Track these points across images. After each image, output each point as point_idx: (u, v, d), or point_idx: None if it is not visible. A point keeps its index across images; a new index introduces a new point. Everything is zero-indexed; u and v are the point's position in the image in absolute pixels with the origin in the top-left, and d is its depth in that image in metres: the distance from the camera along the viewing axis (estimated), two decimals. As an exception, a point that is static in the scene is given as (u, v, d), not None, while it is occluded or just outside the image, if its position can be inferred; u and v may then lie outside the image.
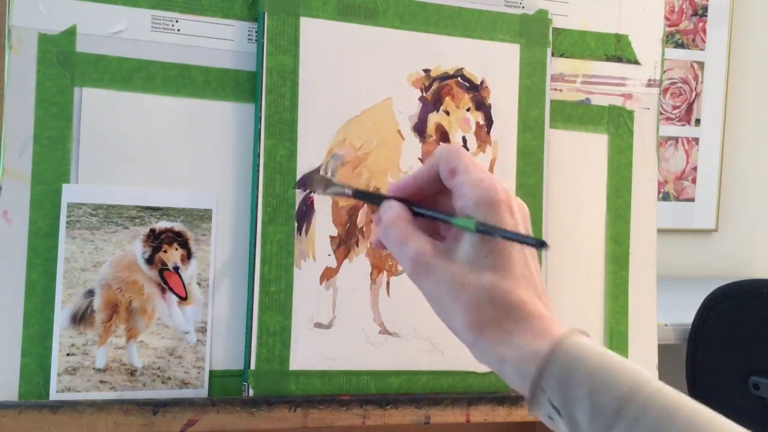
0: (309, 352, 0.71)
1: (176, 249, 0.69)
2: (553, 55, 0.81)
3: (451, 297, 0.49)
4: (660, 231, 0.87)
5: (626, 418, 0.45)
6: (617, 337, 0.82)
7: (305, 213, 0.72)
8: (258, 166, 0.71)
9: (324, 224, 0.73)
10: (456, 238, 0.52)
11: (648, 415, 0.44)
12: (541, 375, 0.47)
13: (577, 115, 0.82)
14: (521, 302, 0.49)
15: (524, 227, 0.52)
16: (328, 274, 0.73)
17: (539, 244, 0.49)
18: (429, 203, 0.55)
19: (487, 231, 0.49)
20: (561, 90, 0.82)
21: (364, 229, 0.74)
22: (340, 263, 0.73)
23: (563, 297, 0.81)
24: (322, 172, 0.73)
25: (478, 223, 0.50)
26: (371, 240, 0.63)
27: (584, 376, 0.46)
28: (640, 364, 0.82)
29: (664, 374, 0.86)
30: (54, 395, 0.65)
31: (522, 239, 0.50)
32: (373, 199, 0.63)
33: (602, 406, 0.45)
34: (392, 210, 0.54)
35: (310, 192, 0.72)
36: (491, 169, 0.78)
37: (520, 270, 0.50)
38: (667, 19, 1.18)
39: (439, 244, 0.52)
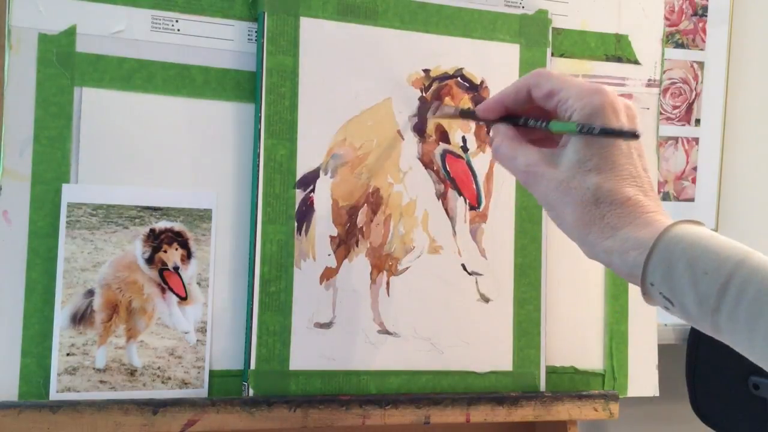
0: (309, 352, 0.71)
1: (176, 249, 0.69)
2: (552, 55, 0.81)
3: (559, 201, 0.53)
4: (660, 231, 0.86)
5: (728, 301, 0.46)
6: (617, 337, 0.82)
7: (305, 213, 0.72)
8: (258, 166, 0.71)
9: (324, 224, 0.73)
10: (563, 145, 0.54)
11: (747, 295, 0.46)
12: (647, 264, 0.49)
13: (577, 115, 0.82)
14: (626, 199, 0.51)
15: (630, 126, 0.53)
16: (328, 274, 0.72)
17: (631, 135, 0.51)
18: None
19: (586, 130, 0.52)
20: (561, 90, 0.81)
21: (364, 229, 0.74)
22: (340, 263, 0.73)
23: (563, 297, 0.81)
24: (322, 173, 0.73)
25: (578, 124, 0.52)
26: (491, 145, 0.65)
27: (686, 264, 0.48)
28: (640, 364, 0.83)
29: (664, 374, 0.86)
30: (54, 395, 0.65)
31: (615, 132, 0.52)
32: (469, 115, 0.69)
33: (705, 292, 0.47)
34: (499, 131, 0.58)
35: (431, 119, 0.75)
36: (491, 169, 0.78)
37: (626, 169, 0.52)
38: (666, 19, 1.18)
39: (546, 152, 0.55)
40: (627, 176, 0.52)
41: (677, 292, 0.48)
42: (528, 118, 0.58)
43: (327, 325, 0.72)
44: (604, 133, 0.52)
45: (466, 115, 0.71)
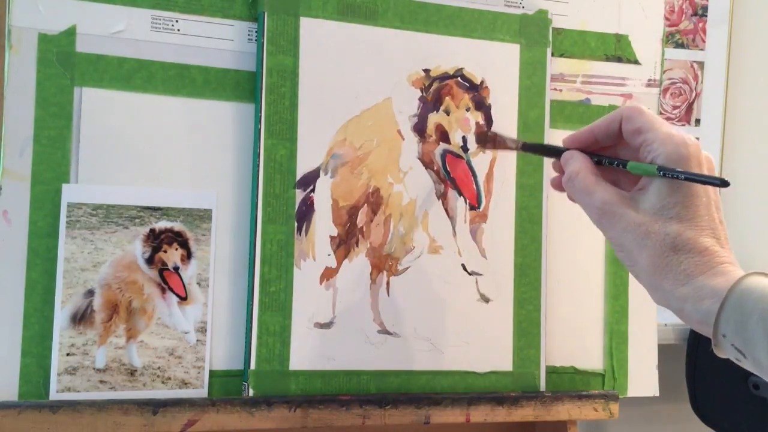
0: (309, 352, 0.71)
1: (176, 249, 0.69)
2: (553, 55, 0.81)
3: (635, 244, 0.53)
4: (660, 231, 0.86)
5: None
6: (617, 337, 0.82)
7: (305, 213, 0.72)
8: (258, 166, 0.71)
9: (324, 224, 0.73)
10: (641, 188, 0.54)
11: None
12: (720, 313, 0.49)
13: (577, 115, 0.82)
14: (704, 249, 0.51)
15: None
16: (328, 274, 0.72)
17: (721, 183, 0.52)
18: (604, 155, 0.58)
19: (671, 173, 0.52)
20: (561, 90, 0.82)
21: (364, 229, 0.74)
22: (340, 263, 0.73)
23: (563, 297, 0.81)
24: (322, 173, 0.73)
25: (658, 167, 0.52)
26: (552, 183, 0.63)
27: (759, 316, 0.48)
28: (640, 365, 0.83)
29: (664, 374, 0.86)
30: (54, 395, 0.65)
31: (705, 179, 0.52)
32: (548, 150, 0.65)
33: None
34: (576, 160, 0.57)
35: (483, 148, 0.74)
36: (491, 169, 0.78)
37: (705, 220, 0.52)
38: (666, 19, 1.18)
39: (623, 193, 0.55)
40: (706, 226, 0.52)
41: (749, 344, 0.48)
42: (603, 157, 0.58)
43: (327, 325, 0.72)
44: (691, 179, 0.52)
45: (529, 148, 0.68)
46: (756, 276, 0.50)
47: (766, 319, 0.47)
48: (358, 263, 0.73)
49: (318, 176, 0.72)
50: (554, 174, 0.63)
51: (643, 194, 0.54)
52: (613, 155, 0.59)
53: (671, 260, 0.51)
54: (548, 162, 0.79)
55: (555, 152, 0.61)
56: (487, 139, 0.73)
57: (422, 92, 0.76)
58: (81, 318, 0.66)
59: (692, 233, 0.52)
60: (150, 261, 0.68)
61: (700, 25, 1.20)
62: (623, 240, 0.53)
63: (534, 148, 0.70)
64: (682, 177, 0.52)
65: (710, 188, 0.54)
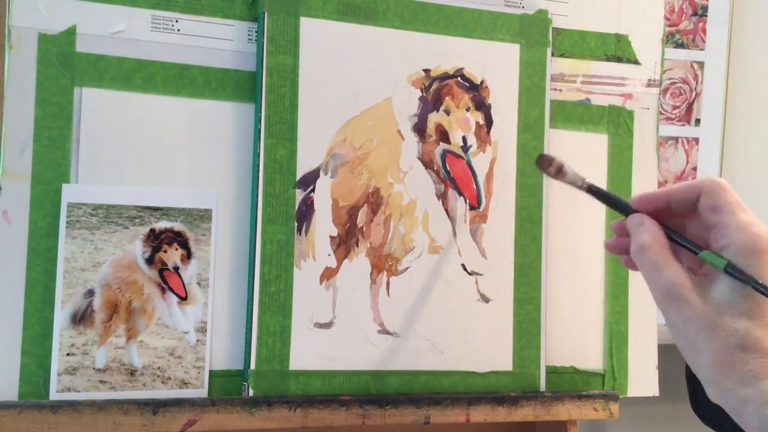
0: (309, 352, 0.71)
1: (176, 249, 0.69)
2: (553, 55, 0.81)
3: (700, 335, 0.50)
4: (660, 231, 0.86)
5: None
6: (617, 337, 0.82)
7: (305, 213, 0.72)
8: (258, 166, 0.71)
9: (324, 224, 0.72)
10: (711, 275, 0.51)
11: None
12: None
13: (577, 115, 0.82)
14: None
15: None
16: (328, 274, 0.72)
17: None
18: (673, 224, 0.55)
19: (738, 277, 0.49)
20: (561, 90, 0.82)
21: (364, 229, 0.74)
22: (340, 263, 0.73)
23: (563, 297, 0.81)
24: (322, 173, 0.73)
25: (728, 264, 0.49)
26: (622, 261, 0.58)
27: None
28: (640, 364, 0.83)
29: (664, 374, 0.86)
30: (54, 395, 0.65)
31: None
32: (615, 203, 0.59)
33: None
34: (649, 231, 0.53)
35: (543, 173, 0.64)
36: (491, 169, 0.78)
37: None
38: (666, 19, 1.18)
39: (693, 278, 0.52)
40: None
41: None
42: (676, 234, 0.54)
43: (327, 325, 0.72)
44: (759, 290, 0.49)
45: (595, 193, 0.59)
46: None
47: None
48: (358, 263, 0.73)
49: (318, 176, 0.72)
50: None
51: (713, 281, 0.51)
52: (680, 225, 0.55)
53: (737, 358, 0.49)
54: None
55: (622, 208, 0.56)
56: (552, 165, 0.63)
57: (422, 92, 0.76)
58: (81, 318, 0.66)
59: (762, 332, 0.49)
60: (150, 261, 0.68)
61: (700, 25, 1.20)
62: (687, 328, 0.50)
63: (600, 195, 0.61)
64: (751, 285, 0.49)
65: None
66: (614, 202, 0.58)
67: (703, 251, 0.51)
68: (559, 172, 0.61)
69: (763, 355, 0.48)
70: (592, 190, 0.59)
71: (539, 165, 0.63)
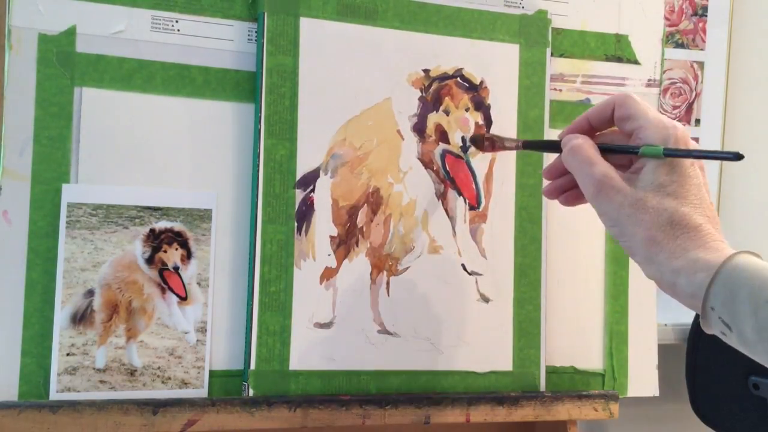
0: (309, 352, 0.71)
1: (176, 249, 0.69)
2: (552, 55, 0.81)
3: (632, 218, 0.55)
4: (660, 231, 0.86)
5: None
6: (617, 337, 0.82)
7: (305, 213, 0.72)
8: (258, 166, 0.71)
9: (324, 224, 0.73)
10: (635, 171, 0.57)
11: None
12: (711, 286, 0.51)
13: (577, 115, 0.82)
14: (698, 225, 0.54)
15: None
16: (328, 274, 0.73)
17: (735, 157, 0.54)
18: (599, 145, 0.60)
19: (679, 154, 0.55)
20: (561, 90, 0.82)
21: (364, 229, 0.74)
22: (340, 263, 0.73)
23: (563, 297, 0.81)
24: (322, 172, 0.73)
25: (665, 148, 0.55)
26: (544, 191, 0.65)
27: (748, 292, 0.49)
28: (640, 364, 0.83)
29: (664, 374, 0.86)
30: (54, 395, 0.65)
31: (718, 154, 0.56)
32: (549, 145, 0.66)
33: (765, 319, 0.49)
34: (578, 137, 0.59)
35: (482, 151, 0.76)
36: (491, 169, 0.78)
37: (698, 199, 0.55)
38: (666, 19, 1.18)
39: (620, 173, 0.57)
40: (698, 205, 0.55)
41: (737, 318, 0.50)
42: (608, 145, 0.60)
43: (327, 325, 0.72)
44: (703, 156, 0.55)
45: (529, 146, 0.70)
46: (747, 254, 0.52)
47: (754, 295, 0.49)
48: (358, 263, 0.73)
49: (318, 176, 0.72)
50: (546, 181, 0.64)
51: (639, 175, 0.56)
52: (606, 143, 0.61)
53: (667, 234, 0.54)
54: (548, 161, 0.79)
55: (556, 146, 0.62)
56: (484, 141, 0.75)
57: (422, 92, 0.76)
58: (81, 318, 0.66)
59: (687, 209, 0.54)
60: (150, 261, 0.68)
61: (700, 25, 1.20)
62: (619, 215, 0.55)
63: (534, 145, 0.72)
64: (694, 155, 0.55)
65: (701, 172, 0.57)
66: (548, 144, 0.66)
67: (642, 147, 0.56)
68: (494, 144, 0.71)
69: (690, 229, 0.54)
70: (528, 145, 0.69)
71: (475, 146, 0.75)
